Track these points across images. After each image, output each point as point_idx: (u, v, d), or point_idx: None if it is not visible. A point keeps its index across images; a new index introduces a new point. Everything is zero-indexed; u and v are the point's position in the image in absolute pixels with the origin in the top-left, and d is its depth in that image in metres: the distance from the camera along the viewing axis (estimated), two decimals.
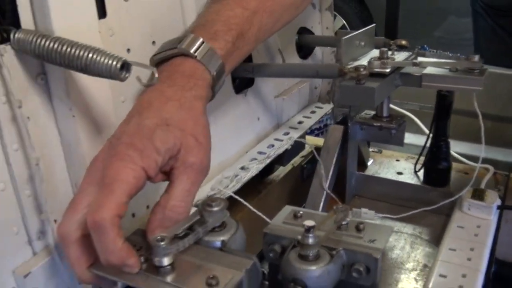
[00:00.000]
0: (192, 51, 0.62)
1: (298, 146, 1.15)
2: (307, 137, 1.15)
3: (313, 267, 0.55)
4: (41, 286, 0.59)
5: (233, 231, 0.55)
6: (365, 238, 0.60)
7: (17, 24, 0.57)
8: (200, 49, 0.62)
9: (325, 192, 0.94)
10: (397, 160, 1.19)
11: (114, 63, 0.52)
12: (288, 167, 1.14)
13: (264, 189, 1.04)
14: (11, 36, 0.56)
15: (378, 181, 1.08)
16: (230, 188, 0.80)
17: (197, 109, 0.60)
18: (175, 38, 0.65)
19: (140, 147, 0.54)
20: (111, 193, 0.51)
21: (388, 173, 1.13)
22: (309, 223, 0.55)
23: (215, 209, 0.54)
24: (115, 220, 0.50)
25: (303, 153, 1.20)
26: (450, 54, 0.95)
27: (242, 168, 0.86)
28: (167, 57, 0.63)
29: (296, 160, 1.17)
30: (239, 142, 0.92)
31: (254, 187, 1.01)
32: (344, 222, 0.61)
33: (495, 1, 1.52)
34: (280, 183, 1.09)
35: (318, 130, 1.30)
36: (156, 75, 0.52)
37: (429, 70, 0.87)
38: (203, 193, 0.80)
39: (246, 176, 0.84)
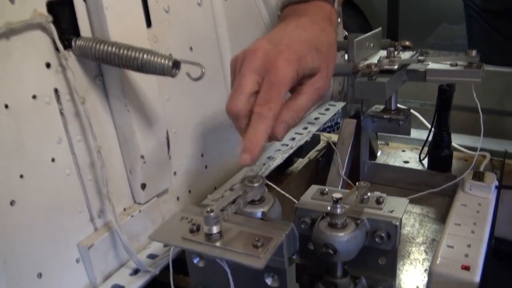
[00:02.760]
0: None
1: (314, 140, 1.18)
2: (321, 133, 1.18)
3: (342, 233, 0.58)
4: (102, 256, 0.63)
5: (271, 203, 0.58)
6: (385, 209, 0.63)
7: (76, 33, 0.60)
8: None
9: (341, 179, 0.97)
10: (403, 151, 1.22)
11: (167, 61, 0.55)
12: (305, 160, 1.17)
13: (285, 179, 1.07)
14: (73, 43, 0.59)
15: (388, 168, 1.11)
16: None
17: (335, 41, 0.67)
18: None
19: (300, 54, 0.59)
20: (278, 94, 0.57)
21: (396, 162, 1.16)
22: (337, 195, 0.58)
23: (256, 184, 0.57)
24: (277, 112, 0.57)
25: (318, 147, 1.23)
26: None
27: (269, 157, 0.90)
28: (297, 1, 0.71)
29: (312, 153, 1.20)
30: None
31: (277, 178, 1.04)
32: (365, 197, 0.64)
33: (487, 5, 1.55)
34: (298, 174, 1.12)
35: (329, 128, 1.33)
36: (203, 70, 0.56)
37: (432, 66, 0.90)
38: (236, 179, 0.83)
39: (273, 164, 0.87)
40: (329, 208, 0.59)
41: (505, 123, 1.43)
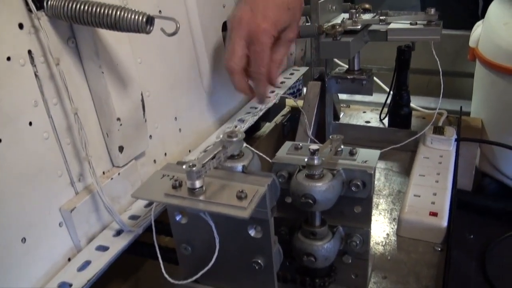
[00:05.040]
0: None
1: (280, 105, 1.17)
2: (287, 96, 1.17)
3: (320, 183, 0.57)
4: (84, 219, 0.60)
5: (251, 157, 0.56)
6: (358, 160, 0.62)
7: None
8: None
9: (309, 139, 0.96)
10: (364, 112, 1.22)
11: (140, 17, 0.52)
12: (272, 124, 1.16)
13: (254, 143, 1.06)
14: (45, 3, 0.56)
15: (352, 127, 1.11)
16: None
17: None
18: None
19: (275, 19, 0.73)
20: (263, 60, 0.74)
21: (358, 123, 1.16)
22: (314, 147, 0.57)
23: (234, 139, 0.55)
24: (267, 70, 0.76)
25: (283, 112, 1.22)
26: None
27: (240, 120, 0.88)
28: None
29: (278, 118, 1.19)
30: (234, 100, 0.94)
31: (246, 141, 1.02)
32: (339, 149, 0.63)
33: None
34: (266, 138, 1.11)
35: (292, 94, 1.32)
36: (178, 25, 0.53)
37: (392, 25, 0.89)
38: (210, 141, 0.81)
39: (245, 126, 0.86)
40: (306, 160, 0.58)
41: (456, 83, 1.44)
